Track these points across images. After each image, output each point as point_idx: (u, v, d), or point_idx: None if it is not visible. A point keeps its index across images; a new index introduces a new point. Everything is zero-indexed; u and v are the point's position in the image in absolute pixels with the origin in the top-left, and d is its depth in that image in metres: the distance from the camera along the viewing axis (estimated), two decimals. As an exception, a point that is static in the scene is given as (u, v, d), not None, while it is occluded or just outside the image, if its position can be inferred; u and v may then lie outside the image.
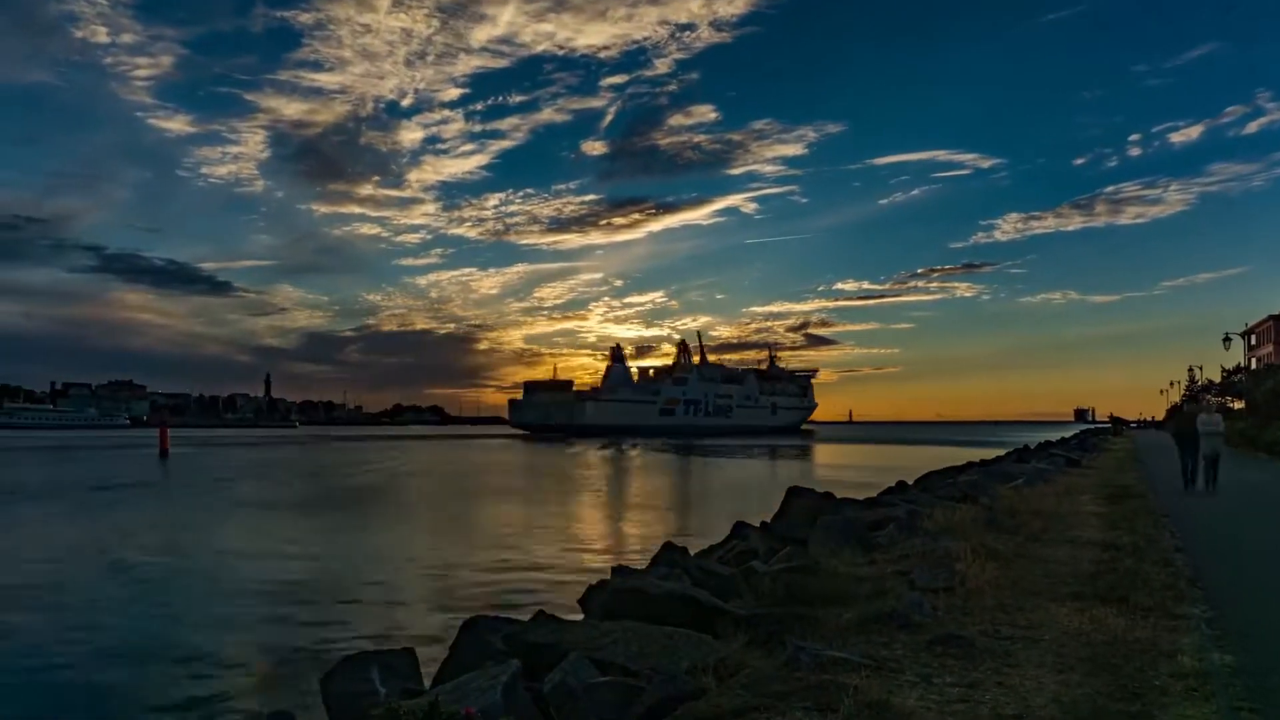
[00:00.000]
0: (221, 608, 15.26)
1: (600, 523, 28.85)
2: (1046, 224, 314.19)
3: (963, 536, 11.07)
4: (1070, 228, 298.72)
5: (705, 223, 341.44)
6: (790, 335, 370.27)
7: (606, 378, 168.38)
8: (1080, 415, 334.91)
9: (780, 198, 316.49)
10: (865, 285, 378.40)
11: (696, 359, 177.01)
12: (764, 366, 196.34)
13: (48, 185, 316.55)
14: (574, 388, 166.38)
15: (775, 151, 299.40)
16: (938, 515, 13.09)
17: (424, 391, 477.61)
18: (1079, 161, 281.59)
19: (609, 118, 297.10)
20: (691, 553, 12.54)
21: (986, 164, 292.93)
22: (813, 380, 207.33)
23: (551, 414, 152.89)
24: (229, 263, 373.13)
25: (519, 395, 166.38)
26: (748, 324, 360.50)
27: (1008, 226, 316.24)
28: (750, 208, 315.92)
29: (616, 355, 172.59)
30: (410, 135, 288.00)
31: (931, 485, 23.82)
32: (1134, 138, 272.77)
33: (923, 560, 9.70)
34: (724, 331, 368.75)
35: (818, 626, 6.93)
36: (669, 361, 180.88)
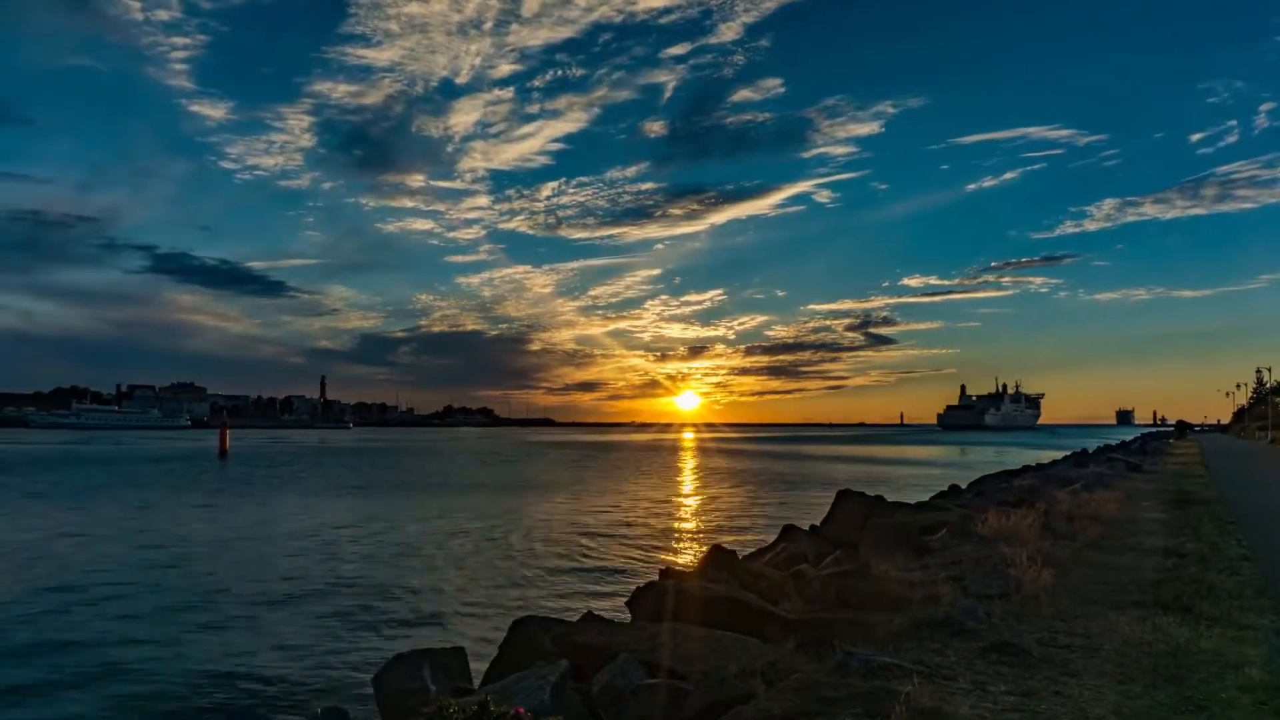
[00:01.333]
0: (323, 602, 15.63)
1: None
2: (1144, 211, 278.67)
3: (1018, 542, 10.83)
4: (1169, 215, 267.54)
5: (769, 213, 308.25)
6: (850, 335, 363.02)
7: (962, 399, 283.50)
8: (1123, 418, 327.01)
9: (851, 184, 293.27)
10: (932, 280, 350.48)
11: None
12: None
13: (90, 179, 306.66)
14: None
15: (848, 130, 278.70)
16: (992, 520, 12.81)
17: (474, 393, 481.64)
18: (1197, 137, 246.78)
19: (668, 94, 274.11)
20: (740, 556, 12.47)
21: (1086, 141, 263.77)
22: (1040, 399, 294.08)
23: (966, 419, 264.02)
24: (279, 261, 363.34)
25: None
26: (806, 322, 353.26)
27: (1100, 215, 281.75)
28: (818, 196, 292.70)
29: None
30: (462, 119, 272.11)
31: (986, 489, 23.37)
32: (1265, 107, 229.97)
33: (976, 566, 9.52)
34: (780, 331, 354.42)
35: (868, 631, 6.84)
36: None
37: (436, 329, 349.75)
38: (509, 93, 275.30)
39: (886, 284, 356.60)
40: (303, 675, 11.26)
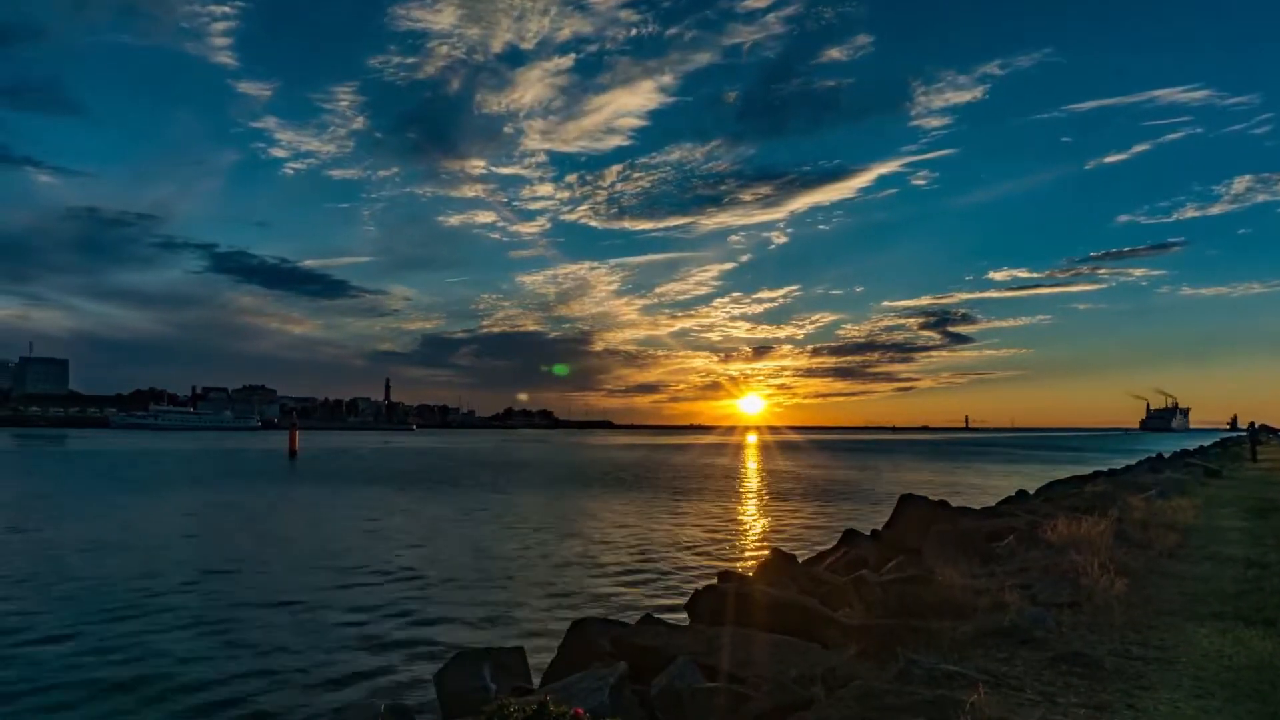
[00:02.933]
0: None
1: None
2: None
3: (1090, 550, 10.50)
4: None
5: (853, 196, 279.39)
6: (925, 334, 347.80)
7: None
8: (1158, 417, 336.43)
9: (945, 164, 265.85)
10: (1020, 273, 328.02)
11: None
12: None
13: (140, 171, 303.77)
14: None
15: (945, 99, 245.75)
16: (1061, 527, 12.45)
17: (534, 394, 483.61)
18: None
19: (746, 54, 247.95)
20: (799, 560, 12.36)
21: (1227, 103, 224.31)
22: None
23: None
24: (336, 259, 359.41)
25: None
26: (879, 320, 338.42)
27: (1229, 194, 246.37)
28: (906, 178, 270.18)
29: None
30: (526, 93, 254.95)
31: (1055, 495, 22.75)
32: None
33: (1045, 574, 9.27)
34: (851, 330, 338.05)
35: (931, 639, 6.70)
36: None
37: (497, 329, 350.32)
38: (576, 59, 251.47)
39: (970, 278, 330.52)
40: (366, 671, 11.49)
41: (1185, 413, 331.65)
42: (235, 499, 37.08)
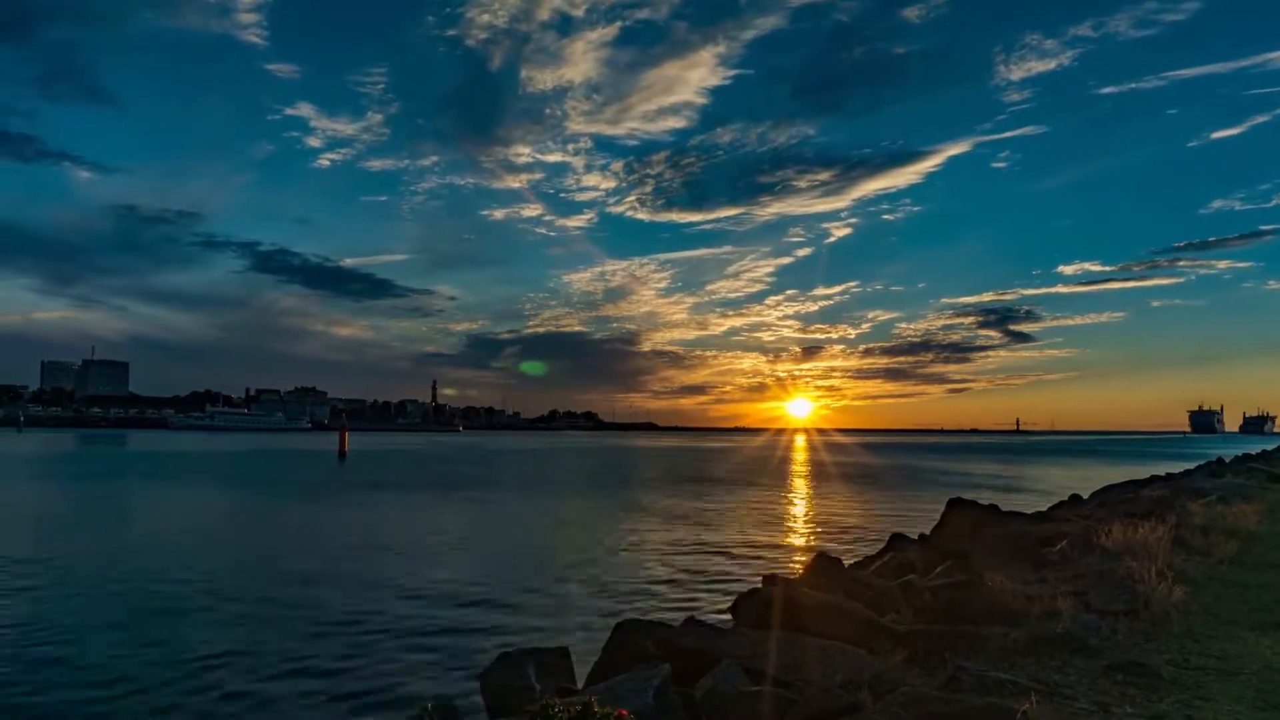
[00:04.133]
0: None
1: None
2: None
3: (1146, 557, 10.23)
4: None
5: (919, 181, 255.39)
6: (985, 333, 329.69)
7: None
8: (1200, 422, 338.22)
9: (1024, 143, 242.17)
10: (1093, 266, 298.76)
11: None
12: None
13: (174, 166, 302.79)
14: None
15: (1028, 68, 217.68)
16: (1117, 532, 12.15)
17: (578, 396, 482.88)
18: None
19: (812, 23, 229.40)
20: (845, 564, 12.24)
21: None
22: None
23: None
24: (376, 256, 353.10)
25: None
26: (936, 319, 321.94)
27: None
28: (979, 160, 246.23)
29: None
30: (572, 70, 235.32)
31: (1109, 499, 22.20)
32: None
33: (1100, 580, 9.05)
34: (907, 329, 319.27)
35: (981, 646, 6.59)
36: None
37: (542, 330, 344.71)
38: (627, 26, 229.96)
39: (1037, 273, 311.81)
40: (412, 669, 11.65)
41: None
42: (288, 499, 37.90)
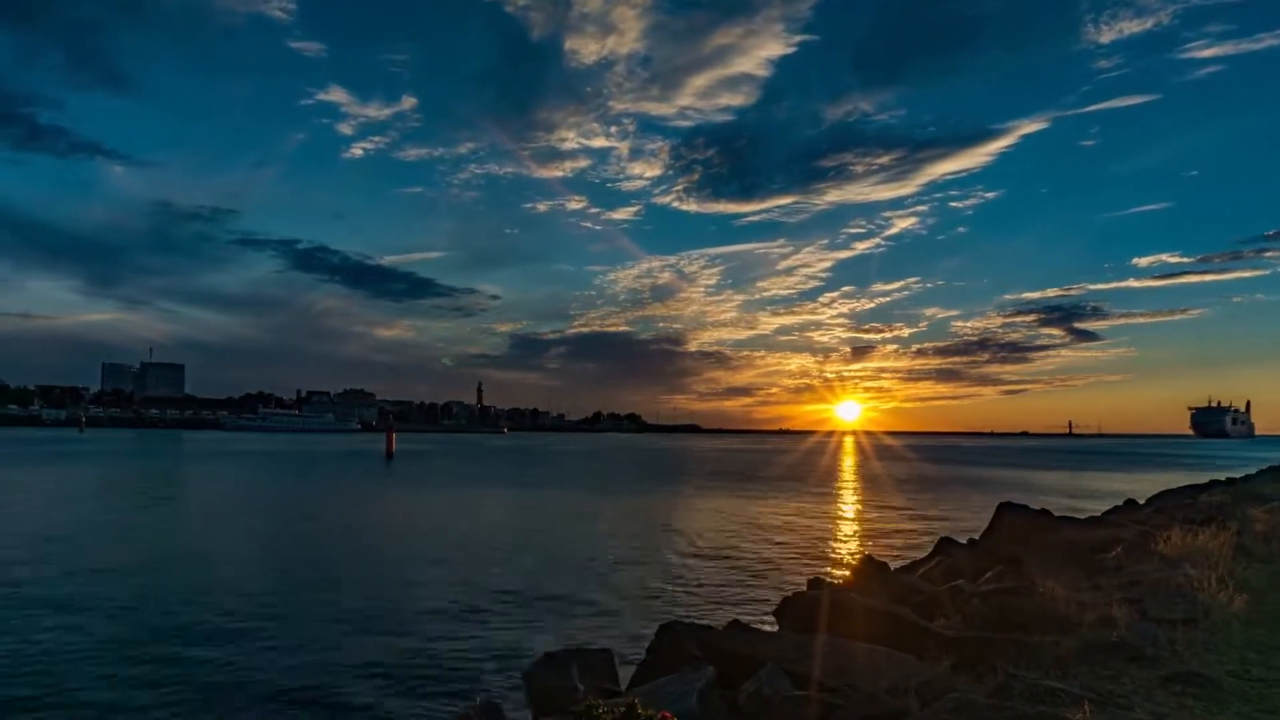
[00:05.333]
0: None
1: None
2: None
3: (1206, 564, 9.93)
4: None
5: (990, 162, 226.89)
6: (1047, 331, 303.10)
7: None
8: (1210, 421, 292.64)
9: (1110, 117, 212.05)
10: (1170, 258, 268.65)
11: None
12: None
13: (202, 158, 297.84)
14: None
15: (1120, 29, 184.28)
16: (1175, 539, 11.82)
17: (623, 397, 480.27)
18: None
19: None
20: (892, 568, 12.08)
21: None
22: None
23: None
24: (416, 254, 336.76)
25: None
26: (995, 316, 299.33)
27: None
28: (1058, 137, 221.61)
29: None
30: (618, 39, 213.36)
31: (1166, 505, 21.60)
32: None
33: (1156, 588, 8.80)
34: (964, 326, 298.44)
35: (1033, 653, 6.45)
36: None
37: (587, 330, 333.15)
38: None
39: (1109, 265, 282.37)
40: (457, 667, 11.76)
41: (1237, 415, 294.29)
42: (338, 498, 38.60)
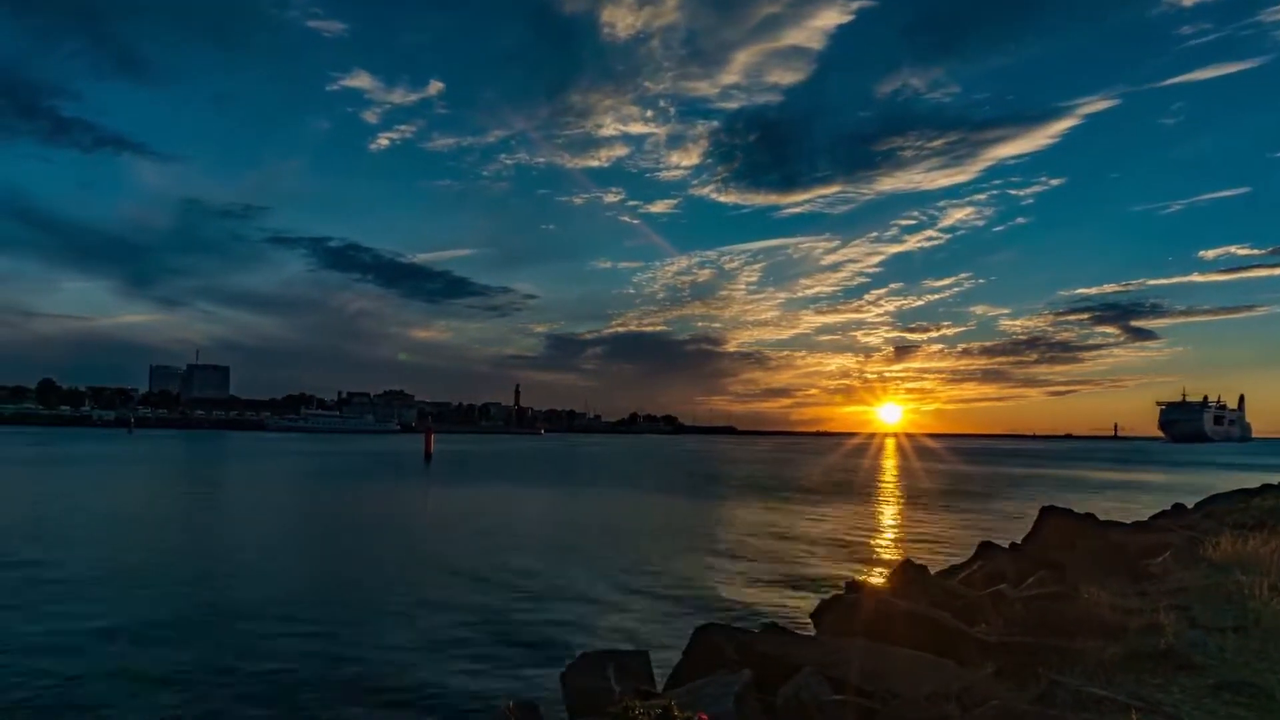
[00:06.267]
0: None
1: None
2: None
3: (1258, 570, 9.66)
4: None
5: (1054, 143, 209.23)
6: (1101, 330, 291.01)
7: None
8: (1181, 421, 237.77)
9: (1192, 91, 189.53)
10: (1241, 251, 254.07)
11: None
12: None
13: (228, 151, 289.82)
14: None
15: None
16: (1225, 544, 11.53)
17: (660, 397, 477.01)
18: None
19: None
20: (931, 572, 11.93)
21: None
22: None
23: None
24: (449, 251, 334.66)
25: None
26: (1046, 315, 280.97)
27: None
28: (1129, 116, 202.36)
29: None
30: (658, 12, 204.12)
31: (1216, 510, 21.07)
32: None
33: (1206, 595, 8.60)
34: (1013, 325, 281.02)
35: (1077, 660, 6.33)
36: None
37: (623, 329, 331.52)
38: None
39: (1171, 259, 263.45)
40: (492, 665, 11.85)
41: (1221, 412, 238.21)
42: (378, 497, 39.12)
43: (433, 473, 60.76)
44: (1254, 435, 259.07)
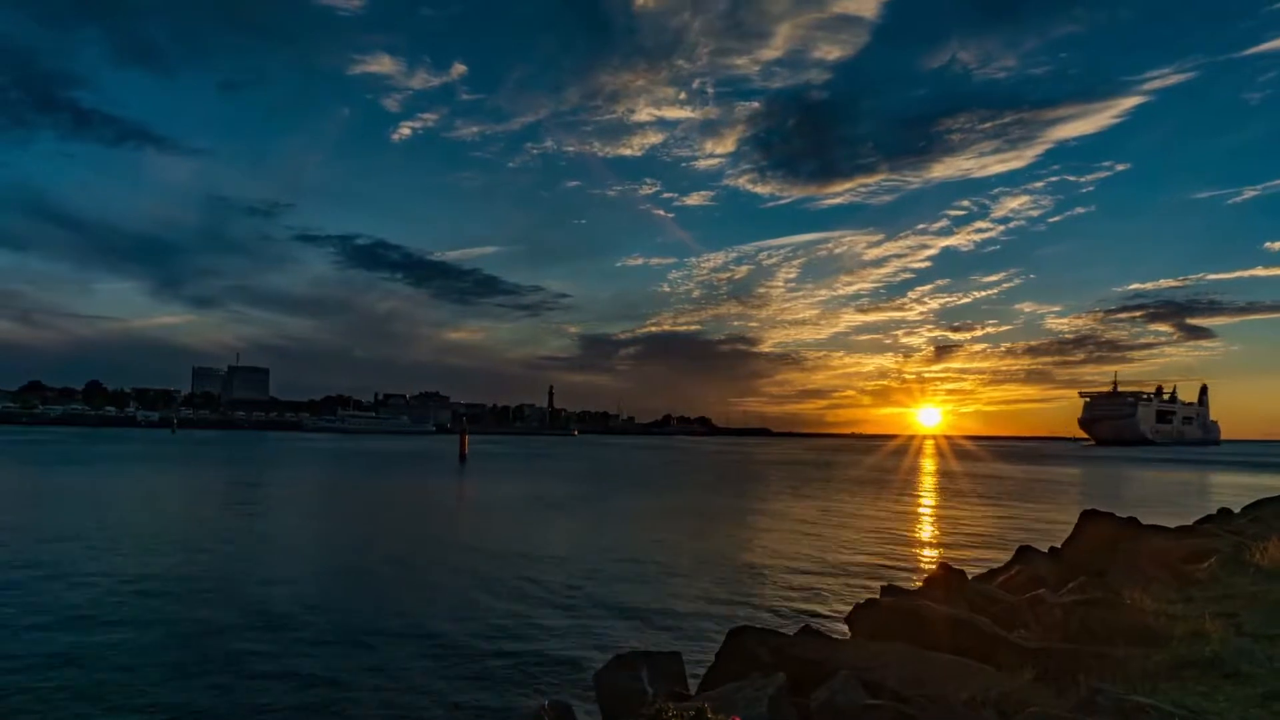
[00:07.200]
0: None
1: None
2: None
3: (1307, 577, 9.43)
4: None
5: (1118, 122, 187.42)
6: (1154, 328, 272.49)
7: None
8: (1110, 417, 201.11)
9: (1263, 62, 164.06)
10: None
11: None
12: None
13: (249, 143, 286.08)
14: None
15: None
16: (1273, 550, 11.25)
17: (692, 399, 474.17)
18: None
19: None
20: (969, 576, 11.77)
21: None
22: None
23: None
24: (477, 248, 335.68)
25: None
26: (1099, 311, 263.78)
27: None
28: (1204, 92, 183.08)
29: None
30: None
31: (1265, 514, 20.54)
32: None
33: (1253, 602, 8.40)
34: (1061, 324, 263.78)
35: (1118, 667, 6.21)
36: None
37: (659, 329, 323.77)
38: None
39: (1234, 251, 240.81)
40: (525, 666, 11.90)
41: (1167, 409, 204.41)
42: (418, 495, 39.51)
43: (468, 474, 61.29)
44: (1224, 437, 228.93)
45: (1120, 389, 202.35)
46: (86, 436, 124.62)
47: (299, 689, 10.84)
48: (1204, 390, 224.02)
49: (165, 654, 12.35)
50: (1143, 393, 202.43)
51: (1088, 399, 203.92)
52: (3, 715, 9.74)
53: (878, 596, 9.60)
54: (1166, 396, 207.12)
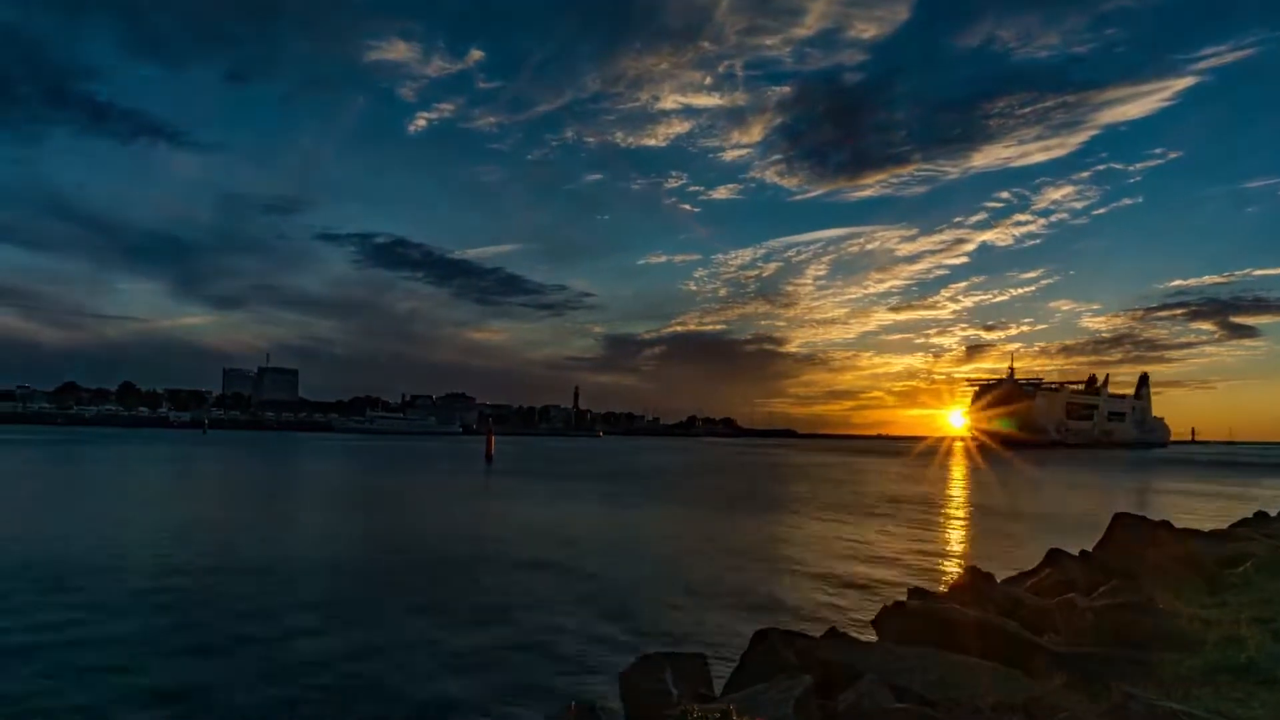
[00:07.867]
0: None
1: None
2: None
3: (1347, 582, 9.24)
4: None
5: (1169, 105, 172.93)
6: (1196, 326, 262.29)
7: None
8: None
9: None
10: None
11: None
12: None
13: (262, 138, 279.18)
14: None
15: None
16: (1311, 554, 11.04)
17: (717, 400, 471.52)
18: None
19: None
20: (997, 579, 11.64)
21: None
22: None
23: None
24: (498, 246, 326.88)
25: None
26: (1139, 309, 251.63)
27: None
28: (1262, 68, 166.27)
29: None
30: None
31: (1303, 518, 20.15)
32: None
33: (1291, 607, 8.23)
34: (1097, 323, 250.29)
35: (1151, 672, 6.12)
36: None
37: (685, 329, 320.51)
38: None
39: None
40: (550, 666, 11.93)
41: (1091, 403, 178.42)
42: (441, 496, 39.79)
43: (494, 474, 61.66)
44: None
45: (1018, 376, 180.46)
46: (121, 437, 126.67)
47: (317, 686, 10.95)
48: (1143, 379, 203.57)
49: (177, 637, 12.59)
50: (1047, 381, 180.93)
51: (975, 388, 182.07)
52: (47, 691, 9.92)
53: (905, 599, 9.52)
54: (1082, 387, 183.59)
